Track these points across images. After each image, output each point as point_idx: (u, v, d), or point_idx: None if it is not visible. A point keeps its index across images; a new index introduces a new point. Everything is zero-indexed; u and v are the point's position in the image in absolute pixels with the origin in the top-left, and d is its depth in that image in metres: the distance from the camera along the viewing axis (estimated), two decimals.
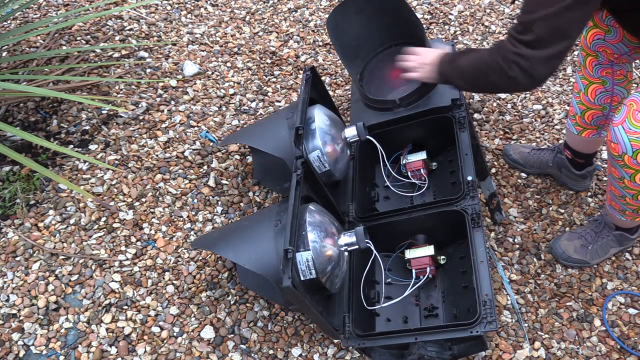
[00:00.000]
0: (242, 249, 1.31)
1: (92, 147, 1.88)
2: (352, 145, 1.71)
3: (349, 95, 2.13)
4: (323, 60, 2.33)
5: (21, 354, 1.40)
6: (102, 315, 1.47)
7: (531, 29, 1.13)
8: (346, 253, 1.39)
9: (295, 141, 1.42)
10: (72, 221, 1.67)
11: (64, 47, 2.22)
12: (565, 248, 1.64)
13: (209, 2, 2.61)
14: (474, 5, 2.62)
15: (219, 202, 1.77)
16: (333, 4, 2.65)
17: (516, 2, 1.48)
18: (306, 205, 1.37)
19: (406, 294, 1.44)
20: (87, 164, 1.82)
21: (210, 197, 1.78)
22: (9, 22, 2.32)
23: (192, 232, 1.69)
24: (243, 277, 1.49)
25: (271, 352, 1.44)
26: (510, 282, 1.62)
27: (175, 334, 1.46)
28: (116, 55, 2.23)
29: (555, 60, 1.17)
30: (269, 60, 2.31)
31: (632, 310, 1.56)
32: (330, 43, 2.31)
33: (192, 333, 1.47)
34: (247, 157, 1.91)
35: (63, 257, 1.58)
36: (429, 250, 1.47)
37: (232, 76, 2.22)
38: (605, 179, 1.89)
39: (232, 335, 1.47)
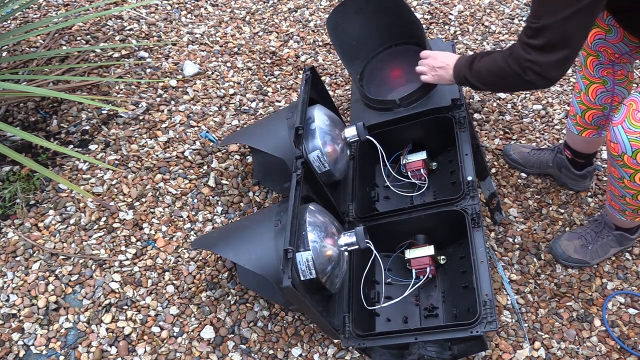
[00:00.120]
0: (242, 249, 1.31)
1: (92, 147, 1.88)
2: (352, 145, 1.71)
3: (349, 95, 2.13)
4: (323, 60, 2.33)
5: (21, 354, 1.40)
6: (102, 315, 1.47)
7: (541, 34, 1.16)
8: (346, 253, 1.39)
9: (295, 141, 1.42)
10: (72, 221, 1.67)
11: (64, 47, 2.22)
12: (565, 248, 1.64)
13: (209, 2, 2.61)
14: (474, 5, 2.62)
15: (219, 202, 1.77)
16: (333, 4, 2.65)
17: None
18: (306, 205, 1.37)
19: (406, 294, 1.44)
20: (87, 164, 1.82)
21: (210, 197, 1.78)
22: (9, 22, 2.32)
23: (192, 232, 1.69)
24: (243, 277, 1.49)
25: (271, 352, 1.44)
26: (510, 282, 1.62)
27: (175, 334, 1.46)
28: (116, 55, 2.23)
29: (567, 63, 1.21)
30: (269, 60, 2.31)
31: (632, 310, 1.56)
32: (330, 43, 2.31)
33: (192, 333, 1.47)
34: (247, 157, 1.91)
35: (63, 257, 1.58)
36: (429, 250, 1.47)
37: (232, 76, 2.22)
38: (605, 179, 1.89)
39: (232, 335, 1.47)
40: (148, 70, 2.19)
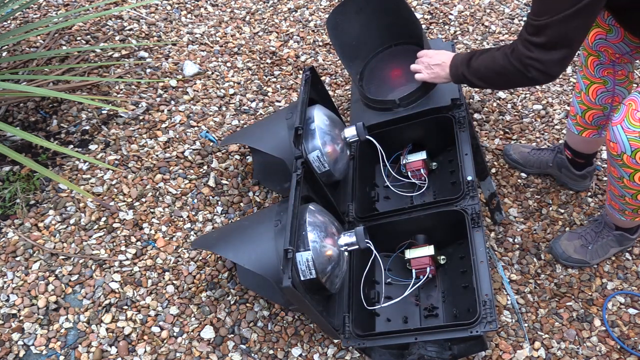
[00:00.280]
0: (242, 249, 1.31)
1: (92, 147, 1.88)
2: (352, 145, 1.71)
3: (349, 95, 2.13)
4: (323, 60, 2.33)
5: (21, 354, 1.40)
6: (102, 315, 1.47)
7: (542, 32, 1.17)
8: (346, 253, 1.39)
9: (294, 141, 1.42)
10: (72, 221, 1.67)
11: (64, 47, 2.22)
12: (565, 248, 1.64)
13: (209, 2, 2.61)
14: (474, 5, 2.62)
15: (219, 202, 1.77)
16: (333, 4, 2.65)
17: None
18: (306, 205, 1.37)
19: (406, 294, 1.44)
20: (87, 164, 1.82)
21: (210, 197, 1.78)
22: (9, 22, 2.32)
23: (192, 232, 1.69)
24: (243, 277, 1.49)
25: (271, 352, 1.44)
26: (510, 282, 1.62)
27: (175, 334, 1.46)
28: (116, 55, 2.23)
29: (568, 60, 1.22)
30: (269, 60, 2.31)
31: (632, 310, 1.56)
32: (330, 43, 2.31)
33: (192, 333, 1.47)
34: (247, 157, 1.91)
35: (63, 257, 1.58)
36: (429, 250, 1.47)
37: (232, 76, 2.22)
38: (605, 179, 1.89)
39: (232, 335, 1.47)
40: (148, 70, 2.19)
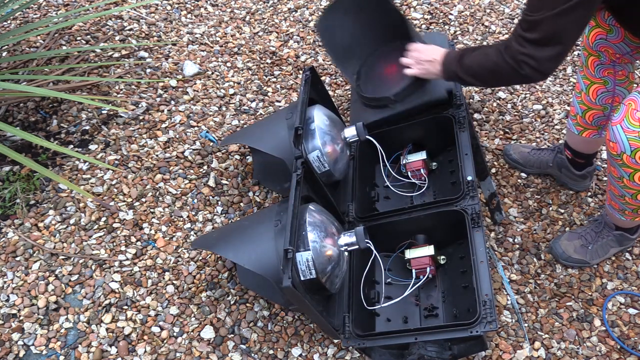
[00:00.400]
0: (242, 249, 1.31)
1: (92, 147, 1.88)
2: (352, 145, 1.71)
3: (349, 95, 2.13)
4: (323, 60, 2.33)
5: (21, 354, 1.40)
6: (102, 315, 1.47)
7: (536, 28, 1.17)
8: (346, 253, 1.39)
9: (294, 141, 1.42)
10: (72, 221, 1.67)
11: (64, 47, 2.22)
12: (565, 248, 1.64)
13: (209, 2, 2.61)
14: (474, 5, 2.62)
15: (219, 202, 1.77)
16: None
17: None
18: (306, 205, 1.37)
19: (406, 294, 1.44)
20: (87, 164, 1.82)
21: (210, 197, 1.78)
22: (9, 22, 2.32)
23: (192, 232, 1.69)
24: (243, 277, 1.49)
25: (271, 352, 1.44)
26: (510, 282, 1.62)
27: (175, 334, 1.46)
28: (116, 55, 2.23)
29: (561, 57, 1.23)
30: (269, 60, 2.31)
31: (632, 310, 1.56)
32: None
33: (192, 333, 1.47)
34: (247, 157, 1.91)
35: (63, 257, 1.58)
36: (429, 250, 1.47)
37: (232, 76, 2.22)
38: (605, 179, 1.89)
39: (232, 335, 1.47)
40: (148, 70, 2.19)
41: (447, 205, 1.47)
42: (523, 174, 1.92)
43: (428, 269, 1.45)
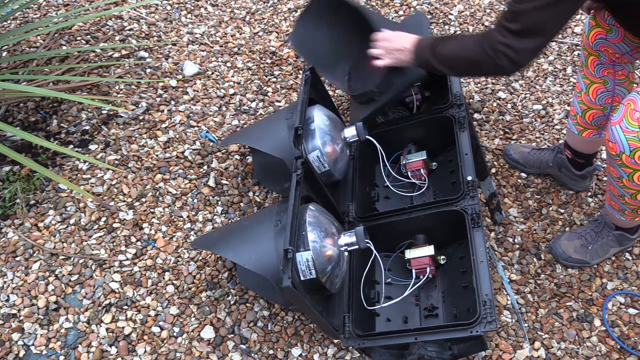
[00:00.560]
0: (242, 249, 1.31)
1: (92, 147, 1.88)
2: (352, 145, 1.71)
3: (349, 95, 2.13)
4: None
5: (21, 354, 1.40)
6: (102, 315, 1.47)
7: (519, 19, 1.17)
8: (346, 253, 1.39)
9: (294, 141, 1.42)
10: (72, 221, 1.67)
11: (64, 47, 2.22)
12: (565, 248, 1.64)
13: (209, 2, 2.61)
14: (474, 5, 2.62)
15: (219, 202, 1.77)
16: None
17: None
18: (306, 205, 1.37)
19: (406, 294, 1.44)
20: (87, 164, 1.82)
21: (210, 197, 1.78)
22: (9, 22, 2.32)
23: (192, 232, 1.69)
24: (243, 277, 1.49)
25: (271, 352, 1.44)
26: (510, 282, 1.62)
27: (175, 334, 1.46)
28: (116, 55, 2.24)
29: (540, 49, 1.23)
30: (269, 60, 2.31)
31: (632, 310, 1.56)
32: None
33: (192, 333, 1.47)
34: (247, 157, 1.91)
35: (63, 257, 1.58)
36: (429, 250, 1.47)
37: (232, 76, 2.22)
38: (605, 179, 1.89)
39: (232, 335, 1.47)
40: (148, 70, 2.19)
41: (447, 205, 1.47)
42: (523, 174, 1.92)
43: (428, 269, 1.45)
